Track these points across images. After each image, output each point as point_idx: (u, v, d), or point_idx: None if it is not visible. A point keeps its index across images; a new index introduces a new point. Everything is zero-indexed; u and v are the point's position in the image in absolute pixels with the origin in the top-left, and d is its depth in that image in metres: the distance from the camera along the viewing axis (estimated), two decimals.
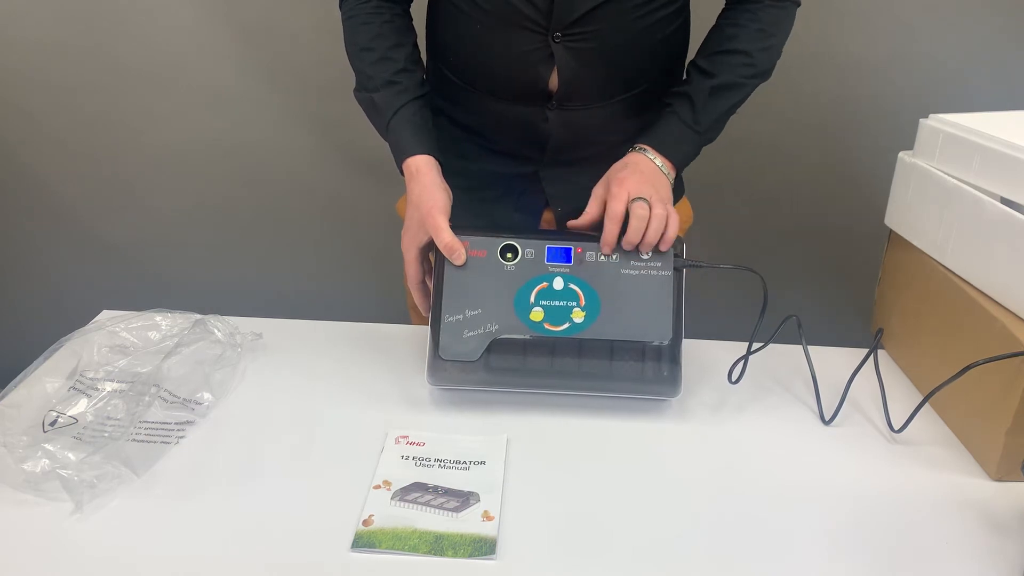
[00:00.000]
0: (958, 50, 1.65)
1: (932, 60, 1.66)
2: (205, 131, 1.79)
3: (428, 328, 0.94)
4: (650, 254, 0.93)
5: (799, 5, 1.04)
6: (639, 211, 0.91)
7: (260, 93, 1.75)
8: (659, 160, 0.98)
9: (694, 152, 1.03)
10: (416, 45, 1.06)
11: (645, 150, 0.99)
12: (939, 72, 1.66)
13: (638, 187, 0.93)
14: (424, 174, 0.97)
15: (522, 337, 0.92)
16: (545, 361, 0.92)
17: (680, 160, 1.01)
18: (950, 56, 1.65)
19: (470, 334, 0.92)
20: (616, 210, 0.91)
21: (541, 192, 1.11)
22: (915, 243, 1.01)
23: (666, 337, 0.92)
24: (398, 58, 1.02)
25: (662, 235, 0.92)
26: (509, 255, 0.94)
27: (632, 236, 0.91)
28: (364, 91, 1.03)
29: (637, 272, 0.93)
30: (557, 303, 0.93)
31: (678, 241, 0.95)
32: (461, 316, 0.92)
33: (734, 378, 0.99)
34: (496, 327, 0.92)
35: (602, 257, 0.93)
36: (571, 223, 0.97)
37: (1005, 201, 0.87)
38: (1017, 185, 0.86)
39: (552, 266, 0.94)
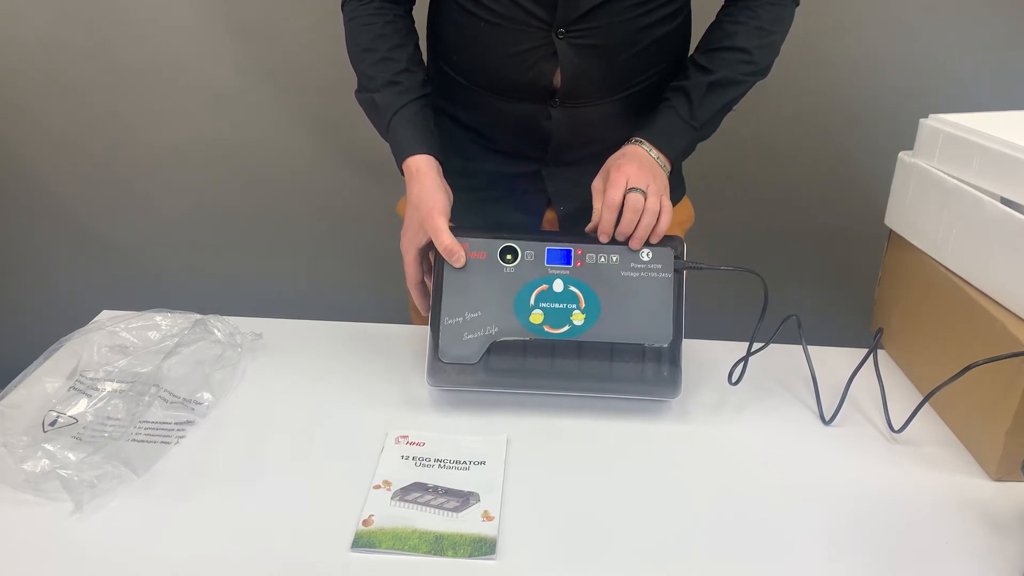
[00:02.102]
0: (958, 50, 1.65)
1: (932, 60, 1.66)
2: (205, 131, 1.79)
3: (428, 328, 0.94)
4: (650, 255, 0.93)
5: (798, 4, 1.05)
6: (633, 203, 0.91)
7: (260, 93, 1.75)
8: (655, 153, 0.99)
9: (690, 147, 1.04)
10: (418, 46, 1.06)
11: (641, 142, 0.99)
12: (939, 72, 1.66)
13: (637, 174, 0.93)
14: (424, 174, 0.97)
15: (522, 349, 0.91)
16: (545, 362, 0.91)
17: (675, 155, 1.01)
18: (950, 56, 1.65)
19: (469, 336, 0.92)
20: (614, 198, 0.91)
21: (543, 192, 1.11)
22: (915, 243, 1.01)
23: (666, 340, 0.91)
24: (399, 59, 1.02)
25: (654, 228, 0.92)
26: (509, 257, 0.94)
27: (625, 227, 0.92)
28: (365, 92, 1.03)
29: (637, 274, 0.93)
30: (557, 305, 0.92)
31: (678, 242, 0.95)
32: (461, 319, 0.92)
33: (734, 379, 0.99)
34: (496, 330, 0.92)
35: (602, 259, 0.93)
36: (588, 228, 0.96)
37: (1005, 201, 0.87)
38: (1017, 185, 0.86)
39: (552, 268, 0.93)
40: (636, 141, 1.00)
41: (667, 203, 0.93)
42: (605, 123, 1.06)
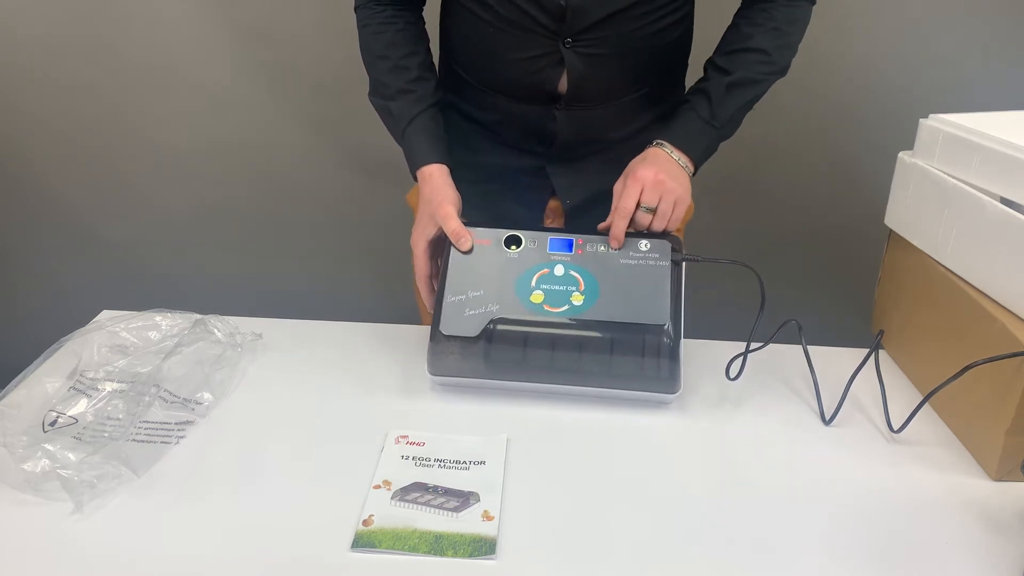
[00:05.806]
0: (958, 50, 1.65)
1: (932, 60, 1.66)
2: (205, 131, 1.79)
3: (427, 328, 0.94)
4: (648, 246, 0.96)
5: (814, 3, 1.06)
6: (640, 220, 0.96)
7: (260, 93, 1.75)
8: (676, 154, 1.01)
9: (712, 147, 1.06)
10: (429, 51, 1.09)
11: (663, 145, 1.02)
12: (939, 72, 1.66)
13: (653, 182, 0.96)
14: (436, 177, 1.02)
15: (522, 329, 0.92)
16: (545, 355, 0.93)
17: (698, 155, 1.03)
18: (950, 56, 1.65)
19: (471, 312, 0.94)
20: (627, 207, 0.95)
21: (546, 186, 1.13)
22: (915, 243, 1.01)
23: (664, 319, 0.92)
24: (412, 66, 1.05)
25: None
26: (513, 246, 0.97)
27: (637, 227, 0.98)
28: (379, 98, 1.06)
29: (635, 262, 0.96)
30: (557, 287, 0.95)
31: (675, 240, 0.97)
32: (463, 296, 0.94)
33: (732, 374, 0.99)
34: (496, 307, 0.94)
35: (601, 248, 0.97)
36: (600, 226, 0.99)
37: (1005, 201, 0.87)
38: (1017, 185, 0.86)
39: (554, 255, 0.97)
40: (658, 144, 1.02)
41: (678, 212, 0.97)
42: (609, 124, 1.08)
